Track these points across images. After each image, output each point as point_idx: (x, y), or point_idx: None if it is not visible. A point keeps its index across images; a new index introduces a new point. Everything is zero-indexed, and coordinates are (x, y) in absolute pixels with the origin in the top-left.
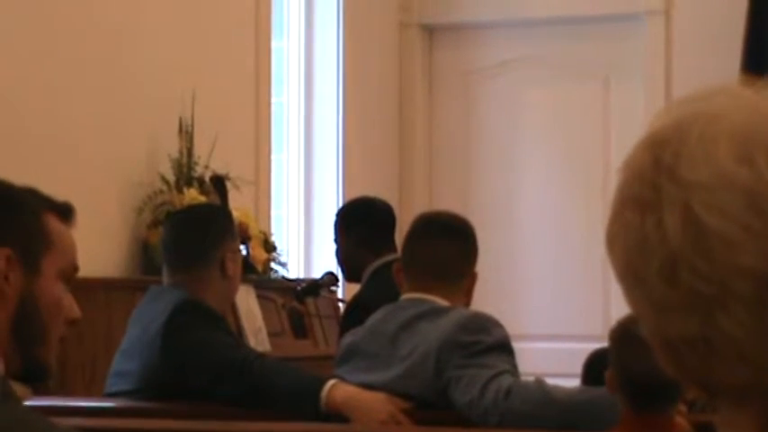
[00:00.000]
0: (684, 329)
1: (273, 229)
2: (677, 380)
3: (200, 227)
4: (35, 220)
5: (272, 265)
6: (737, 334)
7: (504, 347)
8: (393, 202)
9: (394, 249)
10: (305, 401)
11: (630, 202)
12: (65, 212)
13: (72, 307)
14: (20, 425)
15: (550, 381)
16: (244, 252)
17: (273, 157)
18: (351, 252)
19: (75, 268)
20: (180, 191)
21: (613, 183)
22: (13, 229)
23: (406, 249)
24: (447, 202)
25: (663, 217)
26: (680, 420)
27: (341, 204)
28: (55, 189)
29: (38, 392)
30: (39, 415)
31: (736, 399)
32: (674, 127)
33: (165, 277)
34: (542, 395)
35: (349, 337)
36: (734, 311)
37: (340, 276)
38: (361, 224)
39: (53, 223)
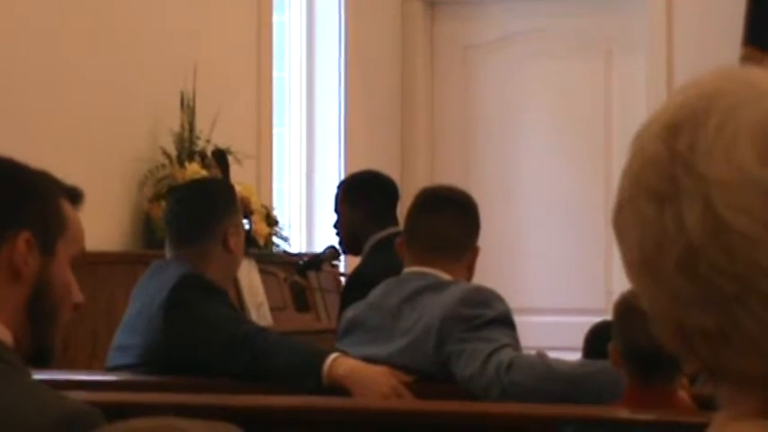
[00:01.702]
0: (700, 321)
1: (275, 204)
2: (680, 358)
3: (203, 201)
4: (52, 204)
5: (274, 239)
6: (756, 330)
7: (505, 321)
8: (395, 176)
9: (396, 222)
10: (307, 375)
11: (645, 192)
12: (75, 197)
13: (76, 291)
14: (28, 395)
15: (552, 354)
16: (246, 226)
17: (275, 131)
18: (353, 224)
19: (84, 253)
20: (182, 165)
21: (615, 157)
22: (32, 212)
23: (409, 223)
24: (449, 176)
25: (681, 211)
26: (682, 393)
27: (342, 178)
28: (56, 164)
29: (39, 367)
30: (46, 386)
31: (743, 383)
32: (688, 112)
33: (168, 251)
34: (544, 368)
35: (351, 311)
36: (754, 308)
37: (340, 248)
38: (365, 197)
39: (66, 208)
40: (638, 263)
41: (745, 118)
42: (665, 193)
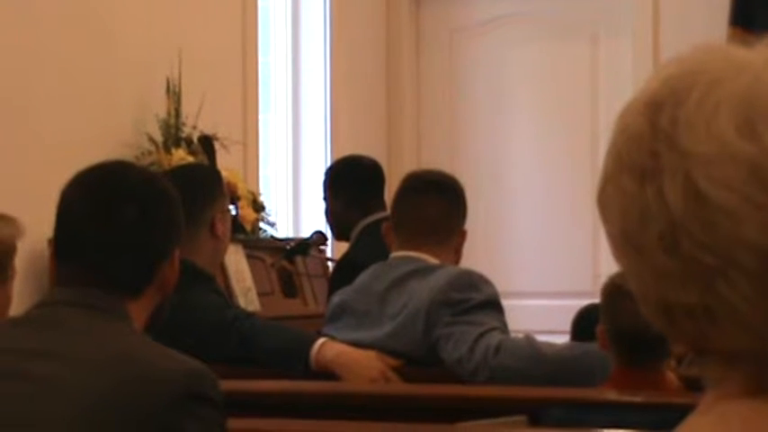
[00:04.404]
0: (684, 297)
1: (262, 189)
2: (667, 337)
3: (190, 187)
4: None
5: (261, 224)
6: (739, 304)
7: (493, 304)
8: (381, 161)
9: (383, 207)
10: (295, 360)
11: (628, 168)
12: None
13: None
14: (154, 346)
15: (540, 337)
16: (233, 212)
17: (261, 116)
18: (339, 211)
19: None
20: (168, 151)
21: (602, 141)
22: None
23: (396, 207)
24: (435, 160)
25: (663, 186)
26: (670, 375)
27: (329, 163)
28: (42, 151)
29: None
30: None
31: (728, 360)
32: (670, 89)
33: None
34: (532, 351)
35: (338, 296)
36: (736, 283)
37: (329, 235)
38: (348, 183)
39: None
40: (621, 240)
41: (726, 92)
42: (647, 168)
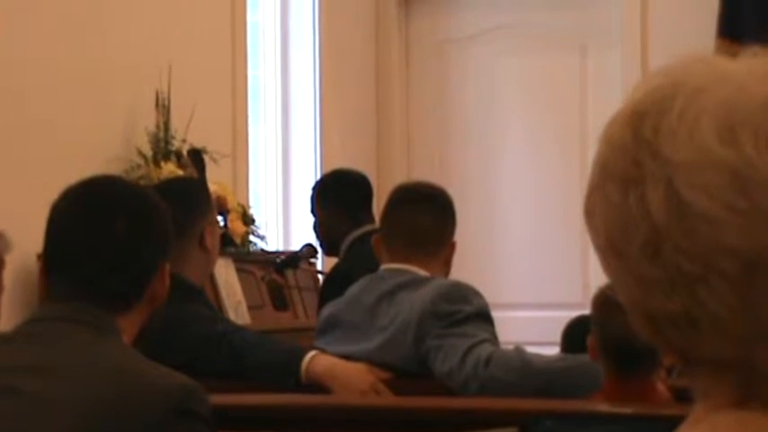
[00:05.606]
0: (667, 305)
1: (252, 202)
2: (655, 347)
3: (179, 200)
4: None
5: (251, 238)
6: (721, 312)
7: (483, 316)
8: (371, 174)
9: (371, 220)
10: (285, 373)
11: (612, 177)
12: None
13: None
14: (142, 360)
15: (530, 349)
16: (222, 225)
17: (251, 129)
18: (328, 225)
19: None
20: (157, 165)
21: (591, 151)
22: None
23: (385, 220)
24: (425, 172)
25: (646, 194)
26: (660, 386)
27: (318, 176)
28: (31, 164)
29: None
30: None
31: (715, 371)
32: (653, 99)
33: None
34: (522, 363)
35: (329, 309)
36: (718, 290)
37: (319, 248)
38: (336, 196)
39: None
40: (607, 249)
41: (709, 101)
42: (630, 177)
